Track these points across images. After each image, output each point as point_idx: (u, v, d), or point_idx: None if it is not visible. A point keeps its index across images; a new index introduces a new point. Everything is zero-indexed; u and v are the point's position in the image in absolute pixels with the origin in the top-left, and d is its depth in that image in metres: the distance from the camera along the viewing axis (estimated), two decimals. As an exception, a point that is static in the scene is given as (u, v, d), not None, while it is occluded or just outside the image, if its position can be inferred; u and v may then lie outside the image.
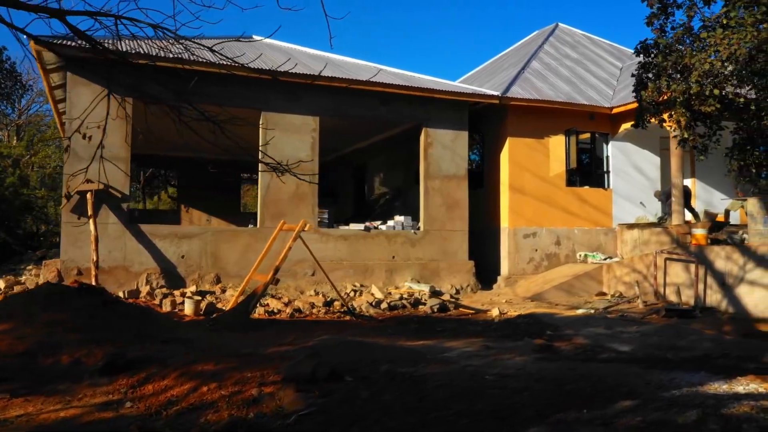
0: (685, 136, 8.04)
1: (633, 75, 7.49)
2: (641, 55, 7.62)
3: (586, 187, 16.39)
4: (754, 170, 9.58)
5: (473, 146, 16.92)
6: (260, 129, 13.15)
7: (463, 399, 5.97)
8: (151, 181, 27.01)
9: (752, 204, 11.65)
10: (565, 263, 15.75)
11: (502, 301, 13.69)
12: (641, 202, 16.64)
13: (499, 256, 15.63)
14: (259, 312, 11.25)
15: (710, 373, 7.15)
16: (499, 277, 15.38)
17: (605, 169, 16.68)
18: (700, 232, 12.38)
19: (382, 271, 13.83)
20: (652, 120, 7.60)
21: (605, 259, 15.44)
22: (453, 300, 13.35)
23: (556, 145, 15.97)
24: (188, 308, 10.59)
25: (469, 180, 16.88)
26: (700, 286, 12.05)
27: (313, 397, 5.71)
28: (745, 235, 12.20)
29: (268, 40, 17.10)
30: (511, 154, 15.46)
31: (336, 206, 22.52)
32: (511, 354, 8.35)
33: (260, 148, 11.68)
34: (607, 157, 16.59)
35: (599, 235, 16.29)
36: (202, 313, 10.78)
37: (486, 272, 15.74)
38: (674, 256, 12.66)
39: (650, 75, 7.18)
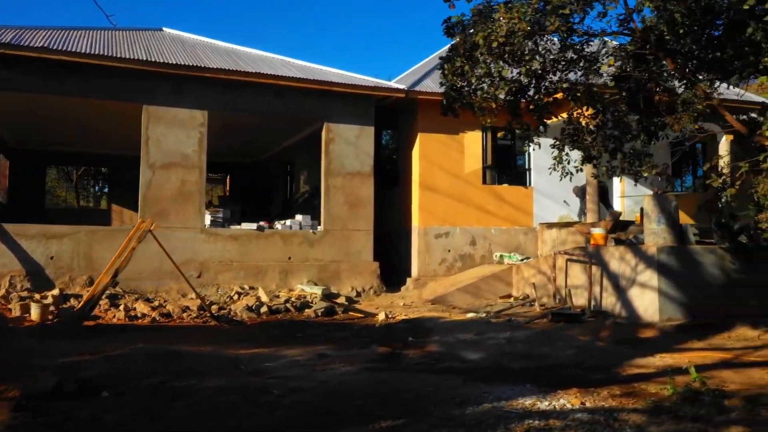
0: (487, 123, 7.39)
1: (441, 58, 6.87)
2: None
3: (505, 185, 15.74)
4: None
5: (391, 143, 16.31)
6: (142, 123, 12.48)
7: (209, 416, 5.36)
8: (83, 179, 26.31)
9: (647, 202, 11.00)
10: (480, 264, 15.10)
11: (400, 304, 13.06)
12: (565, 201, 15.99)
13: (411, 257, 14.98)
14: (119, 317, 10.59)
15: (536, 386, 6.54)
16: (408, 279, 14.72)
17: (526, 167, 16.04)
18: (597, 232, 11.73)
19: (275, 273, 13.16)
20: (454, 107, 6.98)
21: (522, 259, 14.78)
22: (346, 303, 12.68)
23: (473, 142, 15.31)
24: (34, 313, 9.91)
25: (386, 178, 16.27)
26: (596, 289, 11.41)
27: (21, 417, 5.05)
28: (640, 235, 11.56)
29: (175, 32, 16.47)
30: (422, 150, 14.79)
31: (271, 205, 21.93)
32: (343, 363, 7.72)
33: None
34: (529, 153, 15.93)
35: (519, 235, 15.64)
36: (53, 317, 10.10)
37: (399, 274, 15.10)
38: (574, 257, 12.01)
39: (454, 56, 6.52)
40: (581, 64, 6.63)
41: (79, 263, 11.88)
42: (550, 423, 5.32)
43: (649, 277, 10.37)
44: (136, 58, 12.30)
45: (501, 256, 15.01)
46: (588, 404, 5.91)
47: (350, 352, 8.41)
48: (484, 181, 15.46)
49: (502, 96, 6.49)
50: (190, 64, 12.55)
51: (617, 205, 16.88)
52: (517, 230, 15.63)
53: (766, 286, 11.00)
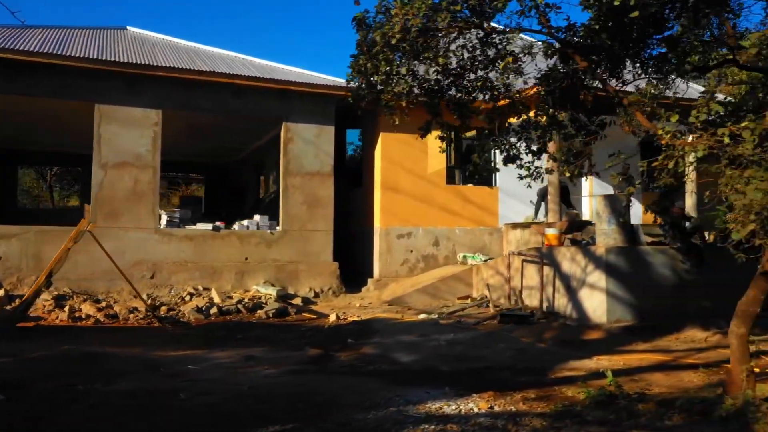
0: (396, 122, 7.26)
1: (351, 56, 6.74)
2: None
3: (470, 185, 15.61)
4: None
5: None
6: (94, 122, 12.35)
7: (101, 420, 5.26)
8: (62, 178, 26.20)
9: (598, 203, 10.88)
10: (444, 265, 14.98)
11: (356, 306, 12.94)
12: (531, 201, 15.82)
13: (373, 257, 14.85)
14: (62, 318, 10.47)
15: (455, 390, 6.43)
16: (369, 280, 14.59)
17: (492, 166, 15.88)
18: (551, 233, 11.61)
19: (231, 274, 13.04)
20: (362, 105, 6.83)
21: (486, 260, 14.66)
22: (301, 305, 12.57)
23: (437, 142, 15.14)
24: (-31, 314, 9.79)
25: (350, 178, 16.15)
26: (549, 290, 11.29)
27: None
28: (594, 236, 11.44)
29: (139, 31, 16.35)
30: (384, 150, 14.67)
31: (245, 206, 21.80)
32: (268, 366, 7.62)
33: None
34: (494, 153, 15.78)
35: (483, 235, 15.52)
36: (-7, 319, 9.96)
37: (363, 275, 14.99)
38: (528, 258, 11.89)
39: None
40: (508, 65, 6.50)
41: (28, 263, 11.76)
42: (448, 428, 5.21)
43: (598, 278, 10.26)
44: (87, 56, 12.18)
45: (464, 256, 14.88)
46: (497, 408, 5.79)
47: (281, 355, 8.30)
48: (449, 181, 15.34)
49: (407, 93, 6.35)
50: (143, 63, 12.42)
51: (585, 204, 16.79)
52: (482, 230, 15.51)
53: (719, 286, 10.83)
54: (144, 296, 12.12)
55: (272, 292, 12.51)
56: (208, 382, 6.69)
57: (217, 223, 13.39)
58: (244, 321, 11.13)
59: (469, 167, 8.04)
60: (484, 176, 15.26)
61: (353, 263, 15.62)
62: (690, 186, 13.82)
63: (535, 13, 6.04)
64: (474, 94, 6.90)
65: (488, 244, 15.47)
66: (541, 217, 15.58)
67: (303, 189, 13.80)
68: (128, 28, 16.50)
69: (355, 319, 11.41)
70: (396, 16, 5.46)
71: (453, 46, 6.40)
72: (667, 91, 8.98)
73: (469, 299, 12.92)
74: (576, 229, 12.22)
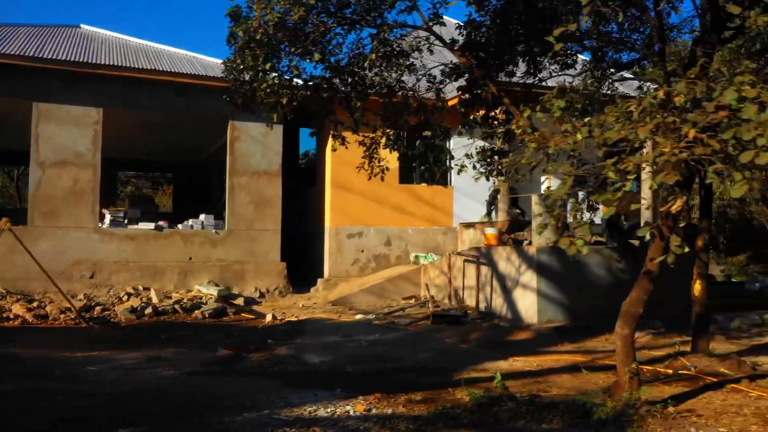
0: (274, 119, 7.12)
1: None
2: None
3: (424, 184, 15.49)
4: None
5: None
6: (32, 121, 12.22)
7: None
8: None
9: (534, 201, 10.78)
10: (396, 264, 14.86)
11: (299, 306, 12.82)
12: (486, 200, 15.74)
13: (324, 257, 14.73)
14: (-12, 318, 10.34)
15: (345, 392, 6.33)
16: (319, 280, 14.47)
17: (447, 166, 15.78)
18: (489, 232, 11.50)
19: (174, 274, 12.91)
20: (239, 103, 6.68)
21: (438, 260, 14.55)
22: (243, 305, 12.44)
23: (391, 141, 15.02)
24: None
25: (305, 177, 16.04)
26: (487, 290, 11.18)
27: None
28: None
29: (92, 29, 16.22)
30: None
31: (210, 205, 21.65)
32: (169, 367, 7.51)
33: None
34: (449, 152, 15.67)
35: (437, 235, 15.40)
36: None
37: (315, 275, 14.86)
38: (468, 258, 11.78)
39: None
40: (395, 61, 6.38)
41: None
42: (310, 431, 5.10)
43: (530, 278, 10.15)
44: (24, 54, 12.05)
45: (417, 256, 14.77)
46: (374, 411, 5.69)
47: (192, 356, 8.18)
48: (402, 181, 15.22)
49: (279, 90, 6.21)
50: (81, 61, 12.29)
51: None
52: (435, 230, 15.39)
53: (656, 286, 10.76)
54: (81, 296, 12.00)
55: (213, 292, 12.39)
56: (97, 384, 6.58)
57: (161, 223, 13.26)
58: (177, 321, 11.00)
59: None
60: (436, 176, 15.20)
61: (307, 263, 15.52)
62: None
63: (430, 10, 5.90)
64: (362, 91, 6.76)
65: (442, 244, 15.35)
66: (495, 217, 15.49)
67: (250, 188, 13.68)
68: (81, 26, 16.36)
69: (292, 319, 11.30)
70: (257, 10, 5.33)
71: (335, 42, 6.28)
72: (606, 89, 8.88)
73: (414, 299, 12.80)
74: (518, 228, 12.11)
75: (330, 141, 14.53)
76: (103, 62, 12.58)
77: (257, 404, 5.86)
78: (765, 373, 7.42)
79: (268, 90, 6.06)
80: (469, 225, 15.11)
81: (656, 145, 3.83)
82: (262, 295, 13.39)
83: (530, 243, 11.35)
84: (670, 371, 7.60)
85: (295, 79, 6.45)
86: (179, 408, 5.73)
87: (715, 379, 7.08)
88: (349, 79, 6.68)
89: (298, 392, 6.33)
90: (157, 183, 37.07)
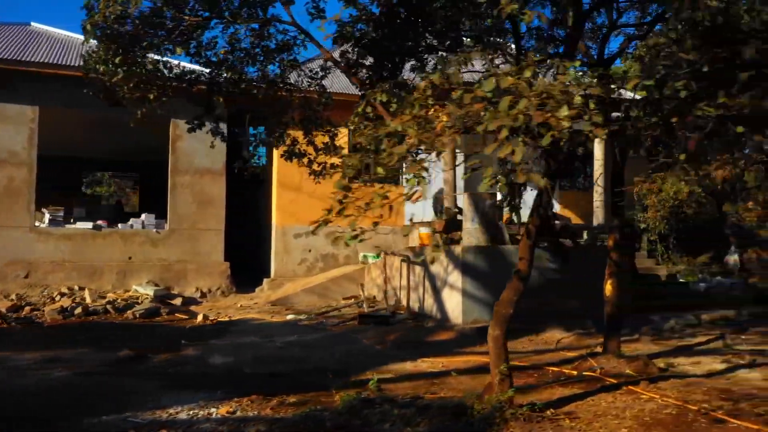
0: (139, 115, 6.99)
1: None
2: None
3: (375, 183, 15.33)
4: None
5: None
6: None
7: None
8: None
9: (465, 200, 10.66)
10: (345, 264, 14.74)
11: (238, 306, 12.70)
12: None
13: (270, 257, 14.61)
14: None
15: (227, 393, 6.20)
16: (265, 280, 14.34)
17: (403, 166, 15.66)
18: (423, 231, 11.39)
19: (113, 273, 12.78)
20: (101, 97, 6.54)
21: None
22: (179, 305, 12.31)
23: (339, 138, 14.91)
24: None
25: (254, 176, 15.90)
26: (420, 290, 11.07)
27: None
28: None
29: (42, 27, 16.09)
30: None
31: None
32: (63, 368, 7.39)
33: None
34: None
35: (388, 235, 15.26)
36: None
37: (263, 274, 14.74)
38: (402, 257, 11.67)
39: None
40: (278, 57, 6.26)
41: None
42: (152, 432, 4.99)
43: (456, 278, 10.04)
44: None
45: (365, 256, 14.63)
46: (238, 413, 5.57)
47: (93, 356, 8.06)
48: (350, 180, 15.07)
49: (140, 84, 6.09)
50: (14, 59, 12.16)
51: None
52: (385, 230, 15.25)
53: (589, 286, 10.64)
54: (14, 296, 11.88)
55: (150, 292, 12.26)
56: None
57: (99, 222, 13.13)
58: (105, 322, 10.87)
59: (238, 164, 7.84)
60: (387, 174, 15.06)
61: (256, 263, 15.40)
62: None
63: (309, 4, 5.79)
64: (240, 86, 6.64)
65: (393, 244, 15.21)
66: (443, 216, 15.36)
67: (193, 187, 13.55)
68: (32, 24, 16.22)
69: (224, 320, 11.18)
70: (101, 3, 5.22)
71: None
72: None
73: (353, 299, 12.69)
74: (456, 227, 11.97)
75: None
76: (41, 60, 12.44)
77: (128, 406, 5.74)
78: (668, 375, 7.33)
79: (132, 85, 5.94)
80: (420, 224, 14.98)
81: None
82: (203, 296, 13.27)
83: (451, 242, 11.24)
84: (575, 372, 7.50)
85: (172, 74, 6.33)
86: (46, 410, 5.63)
87: (615, 381, 6.98)
88: (227, 75, 6.55)
89: (178, 394, 6.21)
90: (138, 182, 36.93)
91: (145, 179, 24.19)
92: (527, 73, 3.01)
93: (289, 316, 11.23)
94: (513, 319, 9.99)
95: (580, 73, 3.92)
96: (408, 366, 7.80)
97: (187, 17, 5.41)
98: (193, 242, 13.46)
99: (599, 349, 8.49)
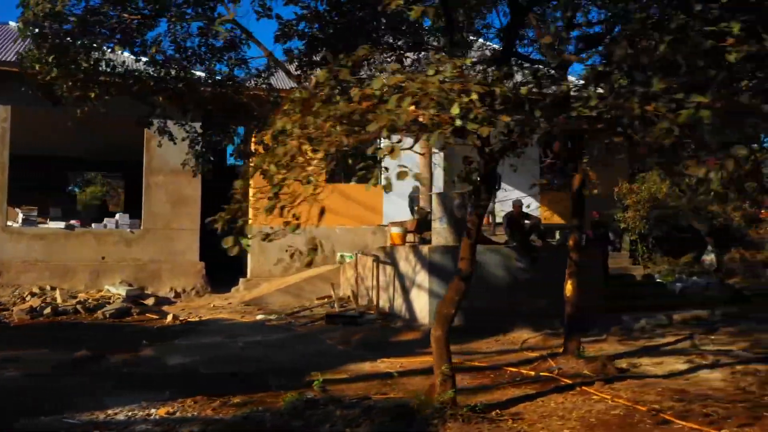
0: (78, 113, 6.91)
1: None
2: None
3: (353, 183, 15.30)
4: None
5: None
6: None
7: None
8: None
9: (433, 200, 10.63)
10: (322, 264, 14.65)
11: (211, 306, 12.67)
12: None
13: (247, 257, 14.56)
14: None
15: (173, 394, 6.15)
16: (241, 280, 14.30)
17: (380, 166, 15.61)
18: (394, 231, 11.36)
19: (86, 273, 12.73)
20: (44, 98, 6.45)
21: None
22: (152, 305, 12.27)
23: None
24: None
25: (235, 176, 15.85)
26: (390, 290, 11.04)
27: None
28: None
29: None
30: (257, 147, 14.36)
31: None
32: (15, 368, 7.34)
33: None
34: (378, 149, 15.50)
35: (366, 234, 15.23)
36: None
37: (241, 274, 14.69)
38: (375, 257, 11.64)
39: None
40: (225, 56, 6.20)
41: None
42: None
43: (423, 278, 10.01)
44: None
45: (342, 256, 14.58)
46: (178, 414, 5.53)
47: (49, 357, 8.01)
48: (329, 180, 15.01)
49: (78, 83, 6.03)
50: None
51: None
52: (364, 229, 15.23)
53: (557, 286, 10.60)
54: (-16, 296, 11.83)
55: (122, 291, 12.22)
56: None
57: (72, 222, 13.08)
58: (74, 322, 10.83)
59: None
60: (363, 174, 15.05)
61: (235, 263, 15.33)
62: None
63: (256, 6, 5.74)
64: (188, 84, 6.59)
65: (371, 243, 15.16)
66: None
67: (167, 187, 13.50)
68: (9, 23, 16.16)
69: (194, 320, 11.15)
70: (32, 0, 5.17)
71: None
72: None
73: (327, 299, 12.64)
74: (428, 227, 11.93)
75: (253, 138, 14.38)
76: (10, 60, 12.38)
77: (70, 407, 5.70)
78: (626, 375, 7.29)
79: (70, 83, 5.90)
80: (399, 224, 14.94)
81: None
82: (177, 296, 13.23)
83: (422, 241, 11.22)
84: (533, 373, 7.46)
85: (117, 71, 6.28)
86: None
87: (570, 381, 6.94)
88: (173, 72, 6.50)
89: (123, 395, 6.17)
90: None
91: (129, 179, 24.14)
92: (430, 71, 2.97)
93: (259, 317, 11.20)
94: (482, 319, 10.02)
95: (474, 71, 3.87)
96: (366, 366, 7.76)
97: (127, 15, 5.37)
98: (168, 242, 13.41)
99: (560, 350, 8.45)
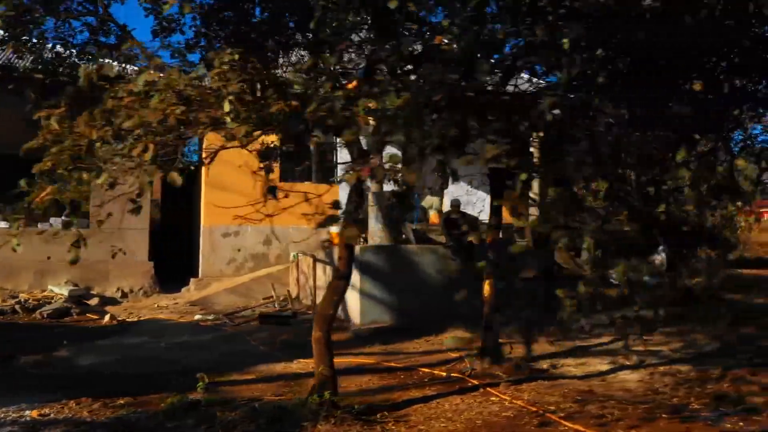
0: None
1: None
2: None
3: (308, 182, 15.23)
4: None
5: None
6: None
7: None
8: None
9: (369, 199, 10.55)
10: (276, 264, 14.59)
11: (157, 306, 12.56)
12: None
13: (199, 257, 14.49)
14: None
15: (68, 395, 6.07)
16: (192, 280, 14.21)
17: (335, 163, 15.55)
18: (333, 230, 11.21)
19: (30, 273, 12.65)
20: None
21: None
22: (97, 305, 12.19)
23: (271, 137, 14.79)
24: None
25: (194, 175, 15.80)
26: (329, 290, 10.94)
27: None
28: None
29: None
30: (208, 144, 14.29)
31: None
32: None
33: None
34: (336, 149, 15.43)
35: (322, 234, 15.11)
36: None
37: (194, 274, 14.62)
38: (315, 257, 11.57)
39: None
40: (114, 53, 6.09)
41: None
42: None
43: (355, 278, 9.89)
44: None
45: (296, 255, 14.50)
46: (52, 416, 5.45)
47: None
48: (283, 179, 14.95)
49: None
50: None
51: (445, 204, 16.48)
52: (319, 229, 15.10)
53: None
54: (-77, 296, 11.73)
55: (65, 292, 12.13)
56: None
57: (16, 221, 12.95)
58: (10, 322, 10.74)
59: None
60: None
61: (190, 263, 15.29)
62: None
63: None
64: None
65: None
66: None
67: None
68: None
69: (133, 320, 11.09)
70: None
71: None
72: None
73: (271, 299, 12.57)
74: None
75: (205, 137, 14.28)
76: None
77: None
78: (541, 376, 7.23)
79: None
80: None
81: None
82: (124, 295, 13.14)
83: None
84: (444, 374, 7.39)
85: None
86: None
87: (477, 382, 6.88)
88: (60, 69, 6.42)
89: (15, 397, 6.07)
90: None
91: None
92: (201, 70, 2.90)
93: (197, 317, 11.12)
94: (416, 319, 9.94)
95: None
96: (279, 367, 7.70)
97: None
98: (116, 242, 13.25)
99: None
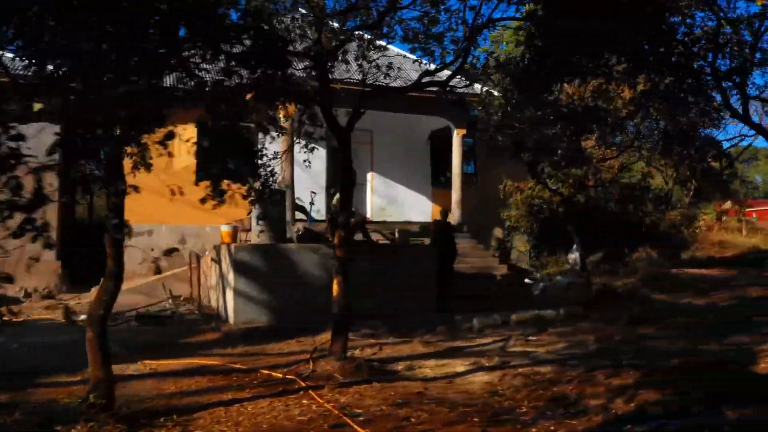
0: None
1: None
2: None
3: (227, 181, 15.00)
4: None
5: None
6: None
7: None
8: None
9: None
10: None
11: (55, 305, 12.38)
12: (298, 198, 15.32)
13: (113, 255, 14.29)
14: None
15: None
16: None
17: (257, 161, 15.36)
18: (224, 229, 11.08)
19: (-72, 272, 12.44)
20: None
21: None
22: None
23: (188, 135, 14.60)
24: None
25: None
26: (218, 288, 10.78)
27: None
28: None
29: None
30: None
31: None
32: None
33: None
34: (262, 146, 15.23)
35: (239, 233, 14.93)
36: None
37: (110, 273, 14.41)
38: (208, 257, 11.40)
39: None
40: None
41: None
42: None
43: (231, 277, 9.74)
44: None
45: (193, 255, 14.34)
46: None
47: None
48: (200, 178, 14.77)
49: None
50: None
51: (366, 202, 16.32)
52: (237, 228, 14.93)
53: (389, 285, 10.38)
54: None
55: (-42, 291, 11.92)
56: None
57: None
58: None
59: None
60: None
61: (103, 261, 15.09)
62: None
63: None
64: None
65: (243, 241, 14.91)
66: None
67: (25, 183, 13.19)
68: None
69: (18, 320, 10.85)
70: None
71: None
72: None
73: (171, 299, 12.38)
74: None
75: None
76: None
77: None
78: (381, 378, 7.06)
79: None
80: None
81: None
82: (28, 295, 12.96)
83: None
84: (280, 375, 7.20)
85: None
86: None
87: (304, 384, 6.71)
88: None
89: None
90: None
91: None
92: None
93: (82, 317, 10.91)
94: (295, 319, 9.75)
95: None
96: (116, 369, 7.48)
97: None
98: (22, 240, 13.09)
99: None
